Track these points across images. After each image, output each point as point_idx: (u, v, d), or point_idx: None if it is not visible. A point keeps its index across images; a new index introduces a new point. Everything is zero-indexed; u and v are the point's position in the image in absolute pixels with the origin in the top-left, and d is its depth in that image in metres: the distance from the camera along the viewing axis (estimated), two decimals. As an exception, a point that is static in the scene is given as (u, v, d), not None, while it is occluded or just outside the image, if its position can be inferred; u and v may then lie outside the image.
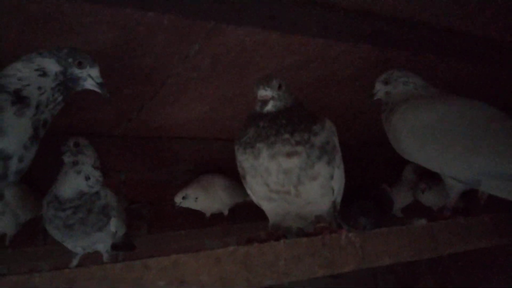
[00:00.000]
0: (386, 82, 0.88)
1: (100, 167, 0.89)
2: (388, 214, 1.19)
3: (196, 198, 1.38)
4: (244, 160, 0.69)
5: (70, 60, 0.60)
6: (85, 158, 0.86)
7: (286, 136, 0.66)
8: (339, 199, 0.77)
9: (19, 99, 0.55)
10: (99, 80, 0.64)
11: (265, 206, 0.72)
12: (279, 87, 0.70)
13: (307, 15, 0.92)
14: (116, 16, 0.78)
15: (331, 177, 0.69)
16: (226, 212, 1.48)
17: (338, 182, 0.72)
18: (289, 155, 0.65)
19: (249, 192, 0.74)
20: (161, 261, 0.54)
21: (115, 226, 0.89)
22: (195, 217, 1.47)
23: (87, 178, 0.84)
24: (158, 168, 1.53)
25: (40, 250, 1.24)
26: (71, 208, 0.82)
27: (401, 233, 0.68)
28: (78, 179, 0.83)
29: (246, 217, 1.58)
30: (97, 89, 0.64)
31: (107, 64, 0.88)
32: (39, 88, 0.57)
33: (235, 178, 1.51)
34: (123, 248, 1.00)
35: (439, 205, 1.37)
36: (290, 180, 0.66)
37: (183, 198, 1.36)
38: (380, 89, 0.88)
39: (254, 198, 0.74)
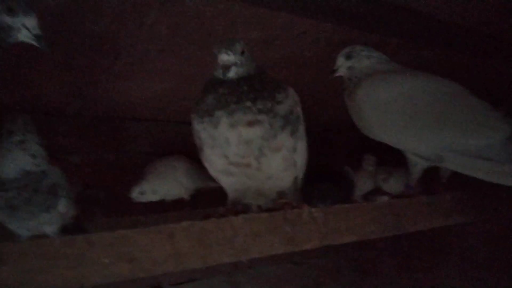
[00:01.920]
0: (348, 57, 0.85)
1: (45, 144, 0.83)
2: (349, 197, 1.18)
3: (154, 191, 1.33)
4: (202, 130, 0.64)
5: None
6: (33, 136, 0.79)
7: (248, 103, 0.61)
8: (301, 175, 0.74)
9: None
10: (36, 31, 0.56)
11: (224, 180, 0.68)
12: (242, 52, 0.65)
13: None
14: None
15: (294, 150, 0.66)
16: (187, 197, 1.43)
17: (301, 156, 0.69)
18: (250, 124, 0.61)
19: (206, 165, 0.69)
20: (106, 237, 0.49)
21: (64, 206, 0.83)
22: (154, 202, 1.41)
23: (34, 156, 0.78)
24: (114, 151, 1.46)
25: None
26: (15, 189, 0.75)
27: (364, 209, 0.67)
28: (24, 158, 0.77)
29: (208, 203, 1.53)
30: (33, 42, 0.56)
31: (53, 28, 0.80)
32: None
33: (196, 162, 1.47)
34: (74, 232, 0.93)
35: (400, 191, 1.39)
36: (251, 152, 0.62)
37: (141, 193, 1.31)
38: (342, 64, 0.86)
39: (212, 172, 0.69)
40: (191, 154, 1.49)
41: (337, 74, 0.87)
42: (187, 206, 1.47)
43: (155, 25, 0.89)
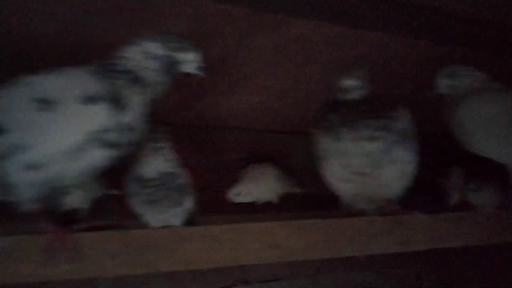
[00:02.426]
0: (449, 76, 0.91)
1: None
2: (443, 207, 1.21)
3: (249, 193, 1.44)
4: (325, 143, 0.75)
5: (173, 44, 0.65)
6: (169, 144, 0.93)
7: (368, 121, 0.71)
8: (409, 185, 0.82)
9: (136, 79, 0.61)
10: (201, 64, 0.68)
11: (341, 187, 0.78)
12: (363, 77, 0.75)
13: (370, 9, 0.96)
14: (193, 7, 0.84)
15: (408, 162, 0.75)
16: (275, 201, 1.53)
17: (412, 168, 0.77)
18: (371, 139, 0.71)
19: (325, 173, 0.79)
20: (258, 226, 0.60)
21: (190, 203, 0.97)
22: (245, 204, 1.53)
23: (170, 160, 0.92)
24: (211, 156, 1.60)
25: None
26: (155, 186, 0.90)
27: (471, 218, 0.72)
28: (162, 162, 0.91)
29: (292, 207, 1.63)
30: (198, 72, 0.69)
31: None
32: (149, 69, 0.63)
33: (282, 168, 1.57)
34: (190, 225, 1.07)
35: (488, 204, 1.38)
36: (370, 163, 0.72)
37: (237, 194, 1.43)
38: (443, 83, 0.91)
39: (329, 180, 0.79)
40: (278, 160, 1.60)
41: (437, 92, 0.93)
42: (273, 209, 1.57)
43: (262, 47, 0.99)
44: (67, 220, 0.60)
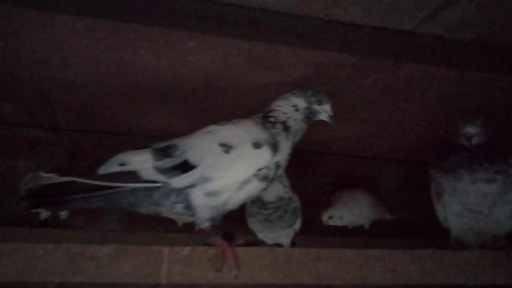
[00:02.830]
0: None
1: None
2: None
3: (341, 217, 1.53)
4: (445, 182, 0.85)
5: (313, 99, 0.81)
6: (284, 172, 1.08)
7: (487, 165, 0.81)
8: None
9: (286, 128, 0.78)
10: (331, 113, 0.83)
11: (454, 221, 0.87)
12: (481, 125, 0.85)
13: (478, 53, 1.03)
14: (314, 57, 0.96)
15: None
16: (367, 226, 1.59)
17: None
18: (488, 181, 0.80)
19: (440, 208, 0.89)
20: (379, 253, 0.70)
21: (299, 225, 1.10)
22: (337, 227, 1.61)
23: (285, 186, 1.06)
24: (306, 180, 1.71)
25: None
26: (272, 208, 1.04)
27: None
28: (280, 188, 1.05)
29: (382, 233, 1.68)
30: (328, 120, 0.84)
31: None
32: (295, 119, 0.79)
33: (373, 194, 1.64)
34: (292, 245, 1.19)
35: None
36: (486, 202, 0.81)
37: (330, 218, 1.52)
38: None
39: (444, 214, 0.88)
40: (369, 185, 1.67)
41: None
42: (365, 234, 1.63)
43: (370, 86, 1.09)
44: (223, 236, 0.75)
